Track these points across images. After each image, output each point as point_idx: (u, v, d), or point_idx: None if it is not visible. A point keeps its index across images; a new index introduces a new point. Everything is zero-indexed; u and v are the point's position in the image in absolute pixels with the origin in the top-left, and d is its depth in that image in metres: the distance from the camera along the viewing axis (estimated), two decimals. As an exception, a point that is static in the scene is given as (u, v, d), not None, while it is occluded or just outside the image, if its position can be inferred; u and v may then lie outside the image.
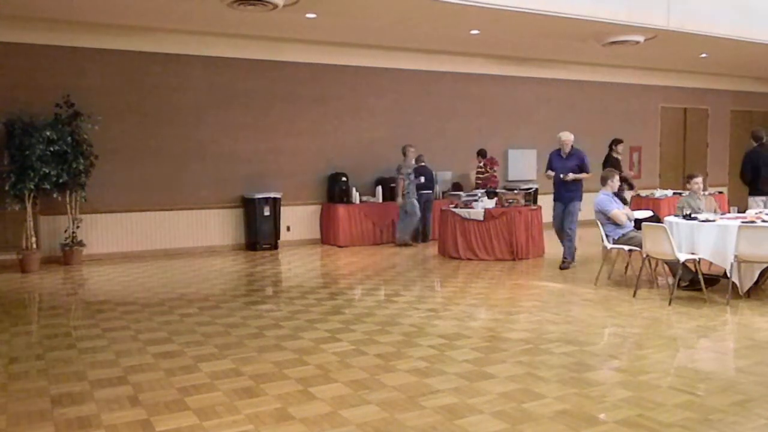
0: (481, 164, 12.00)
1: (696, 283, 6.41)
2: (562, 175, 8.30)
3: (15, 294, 7.30)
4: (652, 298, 6.45)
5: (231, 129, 10.57)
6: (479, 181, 11.90)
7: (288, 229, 11.04)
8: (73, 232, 9.22)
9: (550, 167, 8.58)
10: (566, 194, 8.40)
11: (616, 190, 7.52)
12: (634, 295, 6.52)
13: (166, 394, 3.88)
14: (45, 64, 9.26)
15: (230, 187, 10.59)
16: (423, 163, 11.22)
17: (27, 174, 8.48)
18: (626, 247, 7.06)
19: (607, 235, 7.22)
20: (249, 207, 10.51)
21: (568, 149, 8.46)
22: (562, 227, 8.44)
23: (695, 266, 6.48)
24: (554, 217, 8.60)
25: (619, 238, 7.12)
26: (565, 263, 8.33)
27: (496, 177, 11.91)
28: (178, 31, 9.85)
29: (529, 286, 7.32)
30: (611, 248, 7.19)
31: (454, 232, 9.37)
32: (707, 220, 6.50)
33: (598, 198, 7.30)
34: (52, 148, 8.63)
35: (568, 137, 8.47)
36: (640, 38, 10.48)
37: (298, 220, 11.20)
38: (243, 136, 10.66)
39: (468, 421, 3.42)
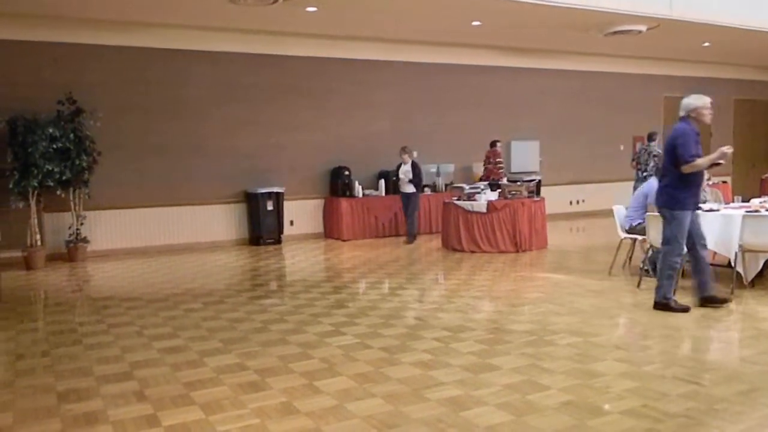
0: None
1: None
2: (722, 154, 5.27)
3: (20, 291, 7.32)
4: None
5: (233, 124, 10.56)
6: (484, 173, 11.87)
7: (291, 223, 11.05)
8: (77, 229, 9.25)
9: (696, 151, 5.21)
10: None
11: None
12: (638, 286, 6.51)
13: (171, 389, 3.89)
14: (47, 61, 9.25)
15: (233, 182, 10.59)
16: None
17: (30, 171, 8.51)
18: (640, 237, 7.02)
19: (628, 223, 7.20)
20: (252, 202, 10.52)
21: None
22: (705, 245, 5.60)
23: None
24: (695, 232, 5.52)
25: (637, 225, 7.07)
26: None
27: (498, 169, 11.80)
28: (179, 26, 9.83)
29: (532, 278, 7.31)
30: (624, 237, 7.18)
31: (457, 224, 9.36)
32: (711, 210, 6.48)
33: (651, 184, 6.99)
34: (55, 146, 8.65)
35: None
36: (643, 27, 10.43)
37: (301, 215, 11.21)
38: (245, 131, 10.65)
39: (473, 413, 3.43)
